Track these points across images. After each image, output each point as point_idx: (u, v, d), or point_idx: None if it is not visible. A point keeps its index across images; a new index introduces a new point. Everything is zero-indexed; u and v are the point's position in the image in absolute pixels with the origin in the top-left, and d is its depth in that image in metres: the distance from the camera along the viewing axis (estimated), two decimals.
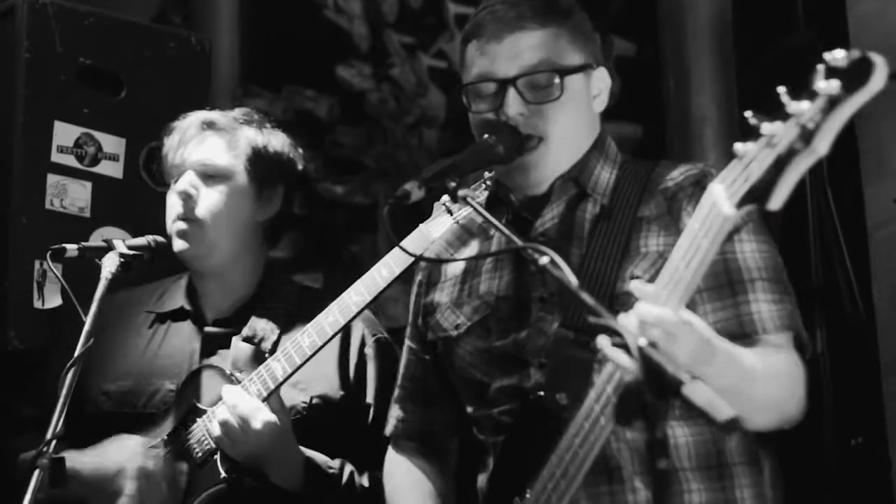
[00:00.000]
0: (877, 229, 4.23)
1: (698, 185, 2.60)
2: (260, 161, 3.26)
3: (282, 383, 2.95)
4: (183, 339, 3.28)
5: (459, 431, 2.85)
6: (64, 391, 2.61)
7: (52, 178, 3.77)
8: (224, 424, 2.91)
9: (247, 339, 3.15)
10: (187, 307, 3.32)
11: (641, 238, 2.58)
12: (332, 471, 3.03)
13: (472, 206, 2.36)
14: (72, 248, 3.02)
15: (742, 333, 2.45)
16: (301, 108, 7.05)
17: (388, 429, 2.96)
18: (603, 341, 1.97)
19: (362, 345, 3.23)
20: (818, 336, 4.18)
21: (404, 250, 2.64)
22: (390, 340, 3.31)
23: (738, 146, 1.93)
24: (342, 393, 3.18)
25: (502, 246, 2.73)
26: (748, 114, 1.91)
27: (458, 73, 2.77)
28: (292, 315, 3.18)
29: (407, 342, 2.94)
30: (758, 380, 2.30)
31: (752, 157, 1.91)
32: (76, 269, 3.13)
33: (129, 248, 3.01)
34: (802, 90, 1.85)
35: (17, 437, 3.18)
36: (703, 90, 5.88)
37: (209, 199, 3.20)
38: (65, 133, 3.80)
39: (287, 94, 7.03)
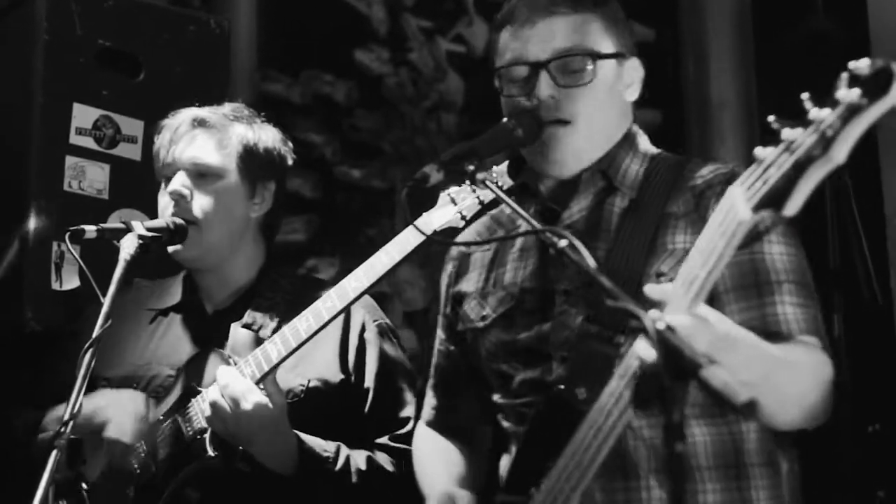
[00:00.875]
0: (895, 215, 4.22)
1: (728, 184, 2.59)
2: (251, 158, 3.24)
3: (276, 366, 2.93)
4: (183, 329, 3.29)
5: (487, 421, 2.84)
6: (81, 372, 2.60)
7: (70, 160, 3.77)
8: (214, 404, 2.90)
9: (246, 326, 3.15)
10: (186, 300, 3.33)
11: (668, 234, 2.57)
12: (326, 454, 3.02)
13: (490, 188, 2.35)
14: (90, 230, 3.01)
15: (767, 334, 2.40)
16: (319, 92, 7.06)
17: (424, 416, 2.98)
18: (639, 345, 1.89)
19: (363, 329, 3.22)
20: (835, 321, 4.16)
21: (418, 229, 2.66)
22: (391, 326, 3.32)
23: (759, 150, 1.92)
24: (341, 377, 3.16)
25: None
26: (771, 118, 1.90)
27: (476, 58, 2.77)
28: (293, 304, 3.12)
29: (437, 331, 2.95)
30: (781, 369, 2.29)
31: (770, 162, 1.90)
32: (94, 250, 3.15)
33: (148, 229, 3.00)
34: (823, 90, 1.85)
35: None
36: (722, 76, 5.87)
37: (202, 200, 3.18)
38: (83, 115, 3.81)
39: (305, 77, 7.04)
